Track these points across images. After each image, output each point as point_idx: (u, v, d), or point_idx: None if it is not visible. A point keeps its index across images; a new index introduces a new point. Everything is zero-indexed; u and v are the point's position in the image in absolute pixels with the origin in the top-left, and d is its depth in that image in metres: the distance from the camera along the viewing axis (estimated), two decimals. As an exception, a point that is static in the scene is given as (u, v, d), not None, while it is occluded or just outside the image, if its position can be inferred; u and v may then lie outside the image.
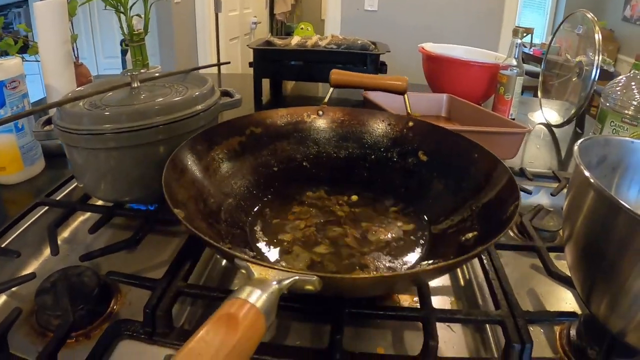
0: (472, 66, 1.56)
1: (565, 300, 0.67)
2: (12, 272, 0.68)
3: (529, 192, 0.94)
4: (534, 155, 1.25)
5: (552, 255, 0.72)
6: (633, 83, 1.11)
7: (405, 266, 0.67)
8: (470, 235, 0.64)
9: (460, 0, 3.66)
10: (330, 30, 3.80)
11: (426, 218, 0.76)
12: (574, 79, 1.41)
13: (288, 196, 0.82)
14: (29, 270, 0.69)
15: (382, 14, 3.76)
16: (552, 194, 0.94)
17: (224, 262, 0.72)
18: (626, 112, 1.10)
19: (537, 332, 0.60)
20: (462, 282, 0.71)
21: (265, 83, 1.68)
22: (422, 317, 0.56)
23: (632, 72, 1.11)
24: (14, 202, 0.89)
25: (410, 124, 0.86)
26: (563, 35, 1.55)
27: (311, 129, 0.89)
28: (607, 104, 1.14)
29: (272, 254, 0.68)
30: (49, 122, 0.78)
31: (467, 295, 0.68)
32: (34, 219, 0.80)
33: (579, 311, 0.62)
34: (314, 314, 0.61)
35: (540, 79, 1.63)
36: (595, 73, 1.29)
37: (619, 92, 1.12)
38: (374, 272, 0.65)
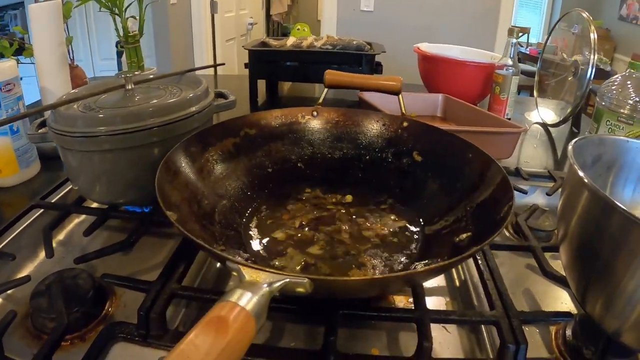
0: (468, 66, 1.55)
1: (561, 300, 0.67)
2: (7, 274, 0.68)
3: (525, 192, 0.94)
4: (530, 155, 1.25)
5: (547, 255, 0.72)
6: (629, 82, 1.11)
7: (401, 265, 0.67)
8: (464, 235, 0.64)
9: (456, 1, 3.65)
10: (327, 30, 3.80)
11: (421, 219, 0.76)
12: (569, 78, 1.41)
13: (282, 197, 0.82)
14: (24, 272, 0.69)
15: (378, 14, 3.76)
16: (547, 194, 0.94)
17: (218, 264, 0.72)
18: (622, 111, 1.10)
19: (532, 332, 0.60)
20: (457, 283, 0.70)
21: (261, 84, 1.68)
22: (416, 318, 0.56)
23: (627, 71, 1.11)
24: (9, 205, 0.89)
25: (405, 124, 0.86)
26: (559, 34, 1.55)
27: (305, 130, 0.89)
28: (603, 103, 1.14)
29: (266, 255, 0.68)
30: (43, 124, 0.77)
31: (462, 296, 0.68)
32: (29, 221, 0.80)
33: (574, 311, 0.62)
34: (308, 316, 0.61)
35: (536, 78, 1.64)
36: (590, 72, 1.29)
37: (614, 91, 1.12)
38: (371, 270, 0.65)
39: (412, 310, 0.58)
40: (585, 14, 1.36)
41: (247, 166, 0.82)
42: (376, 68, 1.56)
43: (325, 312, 0.56)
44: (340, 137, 0.89)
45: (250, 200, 0.79)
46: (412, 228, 0.75)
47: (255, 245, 0.70)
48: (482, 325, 0.61)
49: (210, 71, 2.16)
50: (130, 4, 1.33)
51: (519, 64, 1.44)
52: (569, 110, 1.39)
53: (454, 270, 0.73)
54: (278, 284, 0.42)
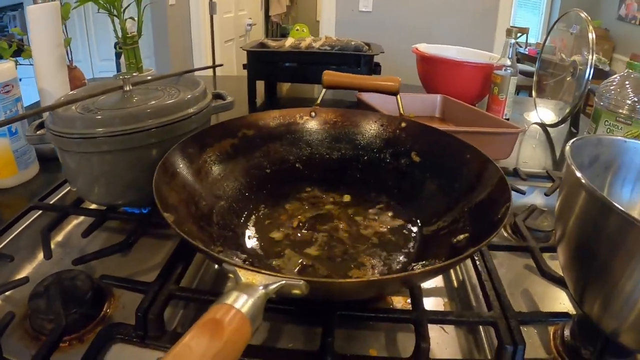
0: (466, 66, 1.55)
1: (560, 301, 0.67)
2: (6, 276, 0.68)
3: (523, 193, 0.94)
4: (529, 155, 1.25)
5: (546, 255, 0.72)
6: (627, 82, 1.11)
7: (400, 264, 0.67)
8: (461, 237, 0.64)
9: (455, 1, 3.66)
10: (325, 31, 3.80)
11: (418, 219, 0.76)
12: (568, 79, 1.41)
13: (280, 198, 0.82)
14: (22, 274, 0.69)
15: (376, 15, 3.76)
16: (546, 194, 0.94)
17: (216, 265, 0.72)
18: (620, 111, 1.10)
19: (531, 333, 0.60)
20: (455, 283, 0.70)
21: (260, 85, 1.68)
22: (413, 319, 0.56)
23: (626, 71, 1.11)
24: (8, 206, 0.89)
25: (403, 124, 0.86)
26: (558, 34, 1.55)
27: (304, 131, 0.89)
28: (602, 103, 1.14)
29: (264, 256, 0.68)
30: (41, 126, 0.77)
31: (461, 297, 0.68)
32: (27, 222, 0.80)
33: (573, 311, 0.62)
34: (305, 317, 0.61)
35: (534, 78, 1.64)
36: (589, 72, 1.29)
37: (613, 92, 1.12)
38: (370, 270, 0.66)
39: (409, 311, 0.58)
40: (583, 14, 1.36)
41: (245, 167, 0.82)
42: (375, 69, 1.56)
43: (323, 313, 0.56)
44: (338, 138, 0.89)
45: (248, 201, 0.79)
46: (410, 228, 0.75)
47: (253, 246, 0.70)
48: (480, 326, 0.61)
49: (209, 72, 2.16)
50: (129, 5, 1.33)
51: (518, 65, 1.44)
52: (567, 111, 1.39)
53: (452, 270, 0.73)
54: (274, 286, 0.42)
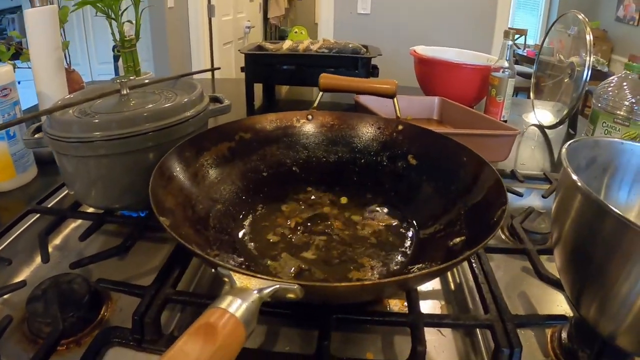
0: (464, 68, 1.56)
1: (557, 303, 0.67)
2: (4, 279, 0.68)
3: (520, 195, 0.94)
4: (527, 157, 1.25)
5: (543, 257, 0.72)
6: (625, 84, 1.11)
7: (398, 265, 0.68)
8: (457, 240, 0.64)
9: (453, 3, 3.66)
10: (324, 33, 3.80)
11: (415, 222, 0.76)
12: (566, 80, 1.41)
13: (277, 201, 0.82)
14: (20, 277, 0.69)
15: (374, 17, 3.76)
16: (543, 196, 0.94)
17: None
18: (618, 112, 1.10)
19: (528, 335, 0.60)
20: (452, 286, 0.70)
21: (259, 87, 1.68)
22: (409, 323, 0.56)
23: (624, 72, 1.11)
24: (6, 209, 0.89)
25: (400, 127, 0.86)
26: (556, 36, 1.55)
27: (300, 134, 0.89)
28: (599, 105, 1.14)
29: (260, 259, 0.68)
30: (39, 129, 0.78)
31: (458, 299, 0.68)
32: (25, 226, 0.80)
33: (570, 313, 0.62)
34: (302, 320, 0.61)
35: (532, 80, 1.64)
36: (586, 74, 1.29)
37: (610, 93, 1.12)
38: (370, 271, 0.66)
39: (405, 315, 0.58)
40: (580, 16, 1.36)
41: (242, 170, 0.82)
42: (372, 71, 1.56)
43: (319, 316, 0.56)
44: (335, 141, 0.89)
45: (245, 204, 0.79)
46: (407, 231, 0.75)
47: (250, 249, 0.70)
48: (477, 329, 0.61)
49: (208, 75, 2.16)
50: (127, 8, 1.33)
51: (516, 66, 1.44)
52: (565, 112, 1.39)
53: (449, 273, 0.73)
54: (268, 290, 0.42)
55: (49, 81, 1.12)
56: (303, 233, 0.74)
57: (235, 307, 0.38)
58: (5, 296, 0.63)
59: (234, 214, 0.76)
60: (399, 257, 0.69)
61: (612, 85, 1.13)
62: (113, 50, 1.52)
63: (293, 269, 0.65)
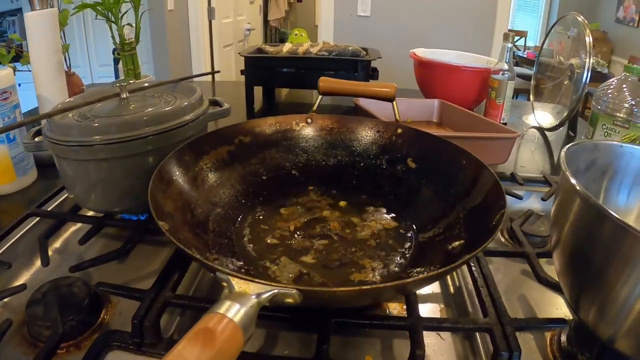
0: (463, 71, 1.56)
1: (556, 306, 0.67)
2: (4, 283, 0.68)
3: (520, 198, 0.94)
4: (526, 160, 1.25)
5: (542, 260, 0.72)
6: (625, 86, 1.11)
7: (397, 268, 0.68)
8: (457, 243, 0.64)
9: (453, 5, 3.66)
10: (324, 35, 3.80)
11: (414, 225, 0.76)
12: (566, 82, 1.41)
13: (277, 204, 0.82)
14: (20, 281, 0.69)
15: (374, 19, 3.76)
16: (542, 199, 0.94)
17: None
18: (618, 114, 1.10)
19: (527, 339, 0.60)
20: (451, 289, 0.70)
21: (259, 90, 1.68)
22: (408, 326, 0.56)
23: (623, 74, 1.11)
24: (6, 213, 0.89)
25: (399, 130, 0.86)
26: (556, 37, 1.55)
27: (300, 137, 0.89)
28: (599, 107, 1.14)
29: (259, 263, 0.68)
30: (39, 133, 0.78)
31: (457, 303, 0.68)
32: (25, 229, 0.80)
33: (570, 317, 0.62)
34: (301, 324, 0.61)
35: (532, 82, 1.64)
36: (586, 76, 1.29)
37: (610, 95, 1.12)
38: (371, 272, 0.66)
39: (404, 318, 0.58)
40: (580, 18, 1.36)
41: (242, 174, 0.82)
42: (372, 74, 1.56)
43: (318, 320, 0.56)
44: (334, 144, 0.89)
45: (244, 208, 0.79)
46: (406, 234, 0.75)
47: (249, 253, 0.70)
48: (477, 332, 0.61)
49: (208, 77, 2.16)
50: (127, 11, 1.33)
51: (516, 68, 1.44)
52: (565, 114, 1.39)
53: (448, 276, 0.73)
54: (267, 295, 0.42)
55: (49, 84, 1.12)
56: (302, 237, 0.74)
57: (233, 312, 0.38)
58: (5, 299, 0.63)
59: (233, 217, 0.76)
60: (398, 258, 0.69)
61: (611, 87, 1.13)
62: (113, 53, 1.52)
63: (292, 273, 0.65)
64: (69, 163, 0.74)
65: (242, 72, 1.58)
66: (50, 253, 0.73)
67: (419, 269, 0.65)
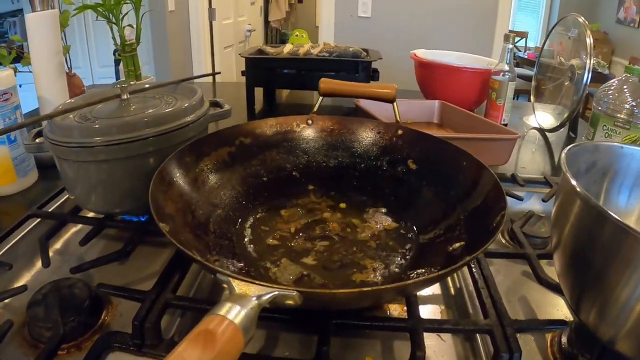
0: (464, 72, 1.56)
1: (557, 307, 0.67)
2: (4, 284, 0.68)
3: (520, 199, 0.94)
4: (527, 161, 1.25)
5: (543, 262, 0.72)
6: (625, 87, 1.11)
7: (398, 268, 0.68)
8: (457, 245, 0.64)
9: (454, 6, 3.66)
10: (325, 36, 3.81)
11: (415, 227, 0.76)
12: (566, 83, 1.41)
13: (277, 206, 0.82)
14: (21, 282, 0.69)
15: (375, 20, 3.77)
16: (543, 200, 0.94)
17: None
18: (619, 115, 1.10)
19: (528, 340, 0.60)
20: (452, 291, 0.70)
21: (259, 91, 1.68)
22: (409, 328, 0.56)
23: (624, 75, 1.11)
24: (6, 214, 0.89)
25: (400, 132, 0.86)
26: (556, 38, 1.55)
27: (300, 139, 0.89)
28: (600, 108, 1.14)
29: (260, 265, 0.68)
30: (40, 134, 0.78)
31: (458, 304, 0.68)
32: (26, 231, 0.80)
33: (570, 318, 0.62)
34: (301, 325, 0.61)
35: (533, 83, 1.64)
36: (587, 77, 1.29)
37: (611, 96, 1.12)
38: (372, 273, 0.66)
39: (405, 320, 0.58)
40: (581, 19, 1.36)
41: (242, 175, 0.82)
42: (373, 75, 1.56)
43: (318, 321, 0.56)
44: (335, 146, 0.89)
45: (245, 209, 0.79)
46: (407, 235, 0.75)
47: (249, 254, 0.70)
48: (477, 334, 0.61)
49: (209, 79, 2.16)
50: (128, 12, 1.34)
51: (517, 69, 1.44)
52: (566, 115, 1.39)
53: (448, 278, 0.73)
54: (267, 296, 0.42)
55: (49, 85, 1.12)
56: (303, 238, 0.74)
57: (234, 313, 0.38)
58: (6, 300, 0.63)
59: (234, 219, 0.76)
60: (399, 259, 0.69)
61: (612, 88, 1.13)
62: (114, 54, 1.52)
63: (293, 274, 0.65)
64: (70, 164, 0.74)
65: (242, 73, 1.58)
66: (51, 254, 0.73)
67: (419, 270, 0.65)
